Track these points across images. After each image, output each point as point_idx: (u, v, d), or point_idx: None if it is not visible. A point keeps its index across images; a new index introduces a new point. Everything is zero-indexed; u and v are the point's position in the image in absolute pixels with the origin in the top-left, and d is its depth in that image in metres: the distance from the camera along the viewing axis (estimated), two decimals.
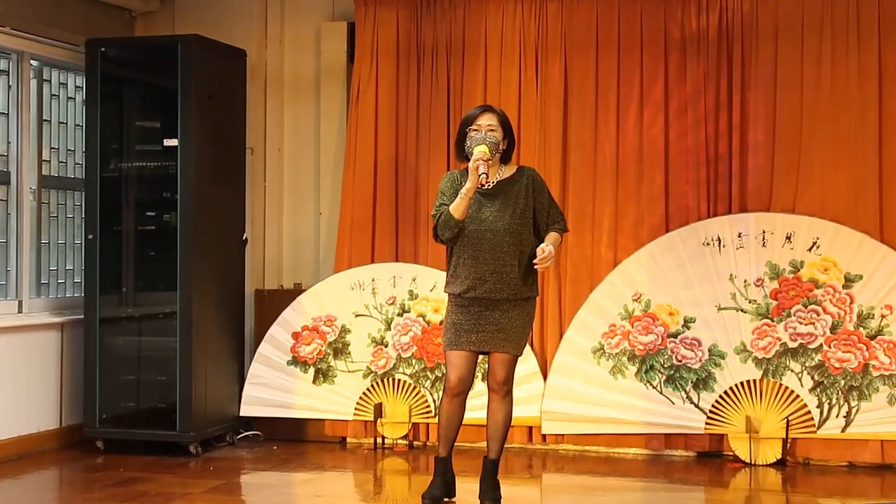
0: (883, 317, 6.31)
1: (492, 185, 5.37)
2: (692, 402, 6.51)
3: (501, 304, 5.34)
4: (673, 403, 6.53)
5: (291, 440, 7.05)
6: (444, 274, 5.52)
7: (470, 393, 5.49)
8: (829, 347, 6.36)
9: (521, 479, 6.26)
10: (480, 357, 5.52)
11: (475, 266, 5.33)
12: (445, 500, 5.51)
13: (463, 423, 5.53)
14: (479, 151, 5.25)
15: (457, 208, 5.27)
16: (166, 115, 6.78)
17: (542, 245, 5.32)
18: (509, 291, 5.33)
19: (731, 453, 6.49)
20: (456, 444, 5.55)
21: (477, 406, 5.96)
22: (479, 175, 5.20)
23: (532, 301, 5.46)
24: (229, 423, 7.02)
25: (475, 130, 5.36)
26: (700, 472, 6.36)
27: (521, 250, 5.34)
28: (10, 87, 6.83)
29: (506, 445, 6.68)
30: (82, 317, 6.85)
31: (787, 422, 6.37)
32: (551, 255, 5.29)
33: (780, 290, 6.45)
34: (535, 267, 5.30)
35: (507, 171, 5.45)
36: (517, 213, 5.36)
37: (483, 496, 5.44)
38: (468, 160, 5.35)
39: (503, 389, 5.41)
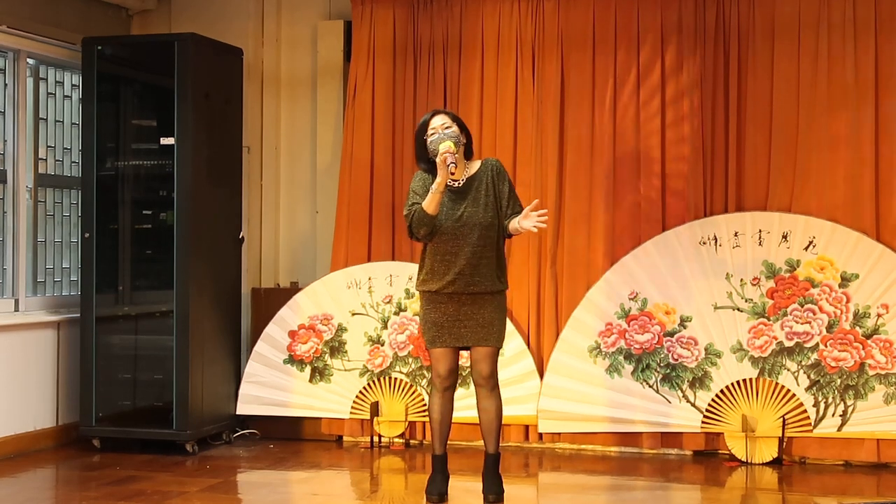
0: (879, 316, 6.31)
1: (462, 182, 5.47)
2: (688, 401, 6.51)
3: (478, 299, 5.43)
4: (669, 402, 6.53)
5: (288, 439, 7.05)
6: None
7: (464, 392, 5.50)
8: (826, 346, 6.36)
9: (518, 477, 6.26)
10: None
11: (454, 262, 5.40)
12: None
13: (459, 421, 5.54)
14: (445, 147, 5.32)
15: (429, 204, 5.33)
16: (163, 113, 6.79)
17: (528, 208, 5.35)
18: (486, 285, 5.43)
19: (727, 452, 6.49)
20: (453, 442, 5.55)
21: (472, 405, 5.95)
22: (448, 165, 5.27)
23: (504, 294, 5.56)
24: (226, 422, 7.02)
25: (432, 134, 5.45)
26: (696, 470, 6.36)
27: (495, 243, 5.46)
28: (6, 85, 6.83)
29: (502, 444, 6.73)
30: (79, 315, 6.85)
31: (784, 421, 6.38)
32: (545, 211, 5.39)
33: (777, 289, 6.46)
34: (538, 221, 5.30)
35: (473, 168, 5.54)
36: (489, 206, 5.45)
37: (487, 490, 5.48)
38: (431, 163, 5.43)
39: (489, 384, 5.47)
